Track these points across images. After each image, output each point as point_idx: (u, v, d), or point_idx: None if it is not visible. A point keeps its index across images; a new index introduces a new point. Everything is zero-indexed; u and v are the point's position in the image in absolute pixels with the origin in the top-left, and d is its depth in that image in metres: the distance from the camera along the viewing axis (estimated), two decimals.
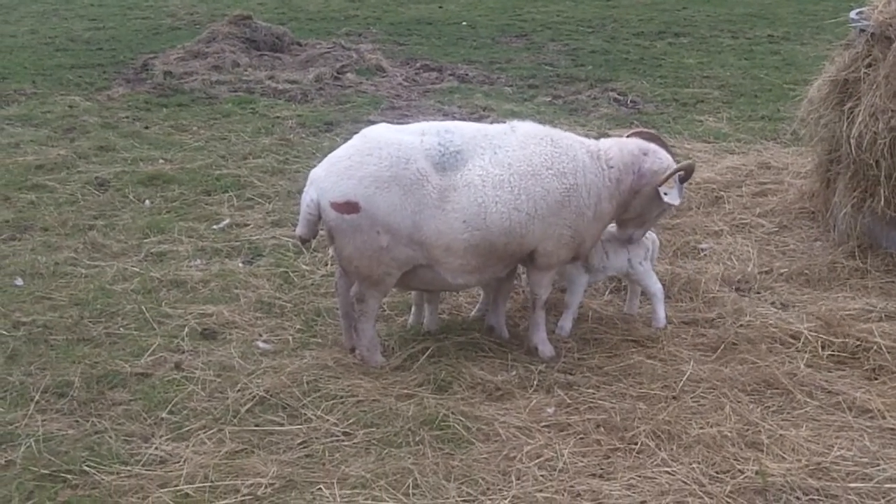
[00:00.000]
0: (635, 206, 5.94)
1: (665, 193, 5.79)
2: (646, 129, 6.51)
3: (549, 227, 5.59)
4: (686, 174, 5.88)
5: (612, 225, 6.17)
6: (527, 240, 5.57)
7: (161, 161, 9.72)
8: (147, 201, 8.60)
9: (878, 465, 4.78)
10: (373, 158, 5.36)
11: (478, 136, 5.60)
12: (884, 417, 5.22)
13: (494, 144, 5.56)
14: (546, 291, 5.93)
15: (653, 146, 5.97)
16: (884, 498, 4.53)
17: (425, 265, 5.53)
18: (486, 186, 5.43)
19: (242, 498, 4.44)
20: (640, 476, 4.69)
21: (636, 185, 5.85)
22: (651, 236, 6.37)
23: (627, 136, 6.18)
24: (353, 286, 5.67)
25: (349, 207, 5.35)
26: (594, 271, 6.25)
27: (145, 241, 7.66)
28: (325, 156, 5.68)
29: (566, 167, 5.59)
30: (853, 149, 6.96)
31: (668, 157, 5.97)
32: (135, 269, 7.07)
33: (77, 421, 5.11)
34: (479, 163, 5.48)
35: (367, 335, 5.71)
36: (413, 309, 6.31)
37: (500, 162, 5.50)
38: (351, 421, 5.13)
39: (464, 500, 4.49)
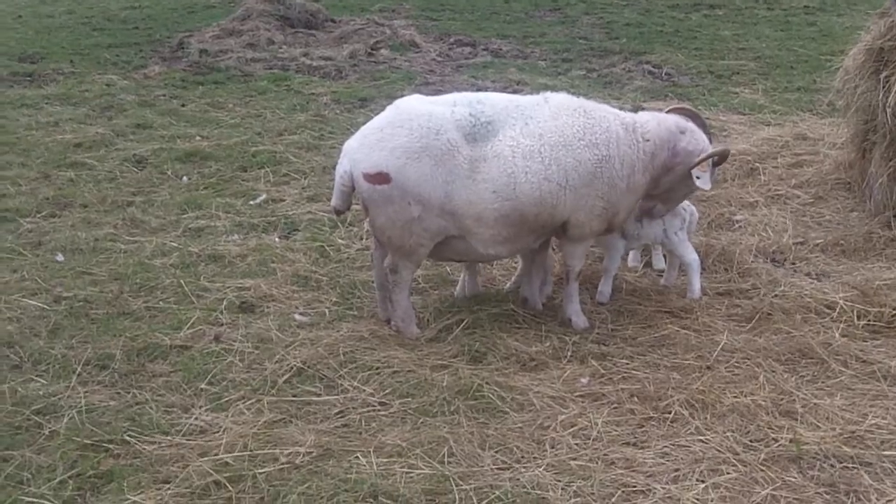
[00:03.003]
0: (665, 182, 5.94)
1: (697, 177, 5.79)
2: (686, 106, 6.48)
3: (581, 198, 5.60)
4: (720, 159, 5.87)
5: None
6: (558, 210, 5.59)
7: (198, 138, 9.83)
8: (185, 178, 8.71)
9: None
10: (404, 130, 5.40)
11: (510, 106, 5.61)
12: None
13: (526, 115, 5.58)
14: (580, 263, 5.95)
15: (691, 125, 5.96)
16: None
17: (457, 236, 5.58)
18: (516, 157, 5.45)
19: (281, 466, 4.51)
20: (673, 444, 4.71)
21: (669, 162, 5.84)
22: (690, 208, 6.37)
23: (667, 111, 6.17)
24: (387, 258, 5.72)
25: (380, 178, 5.40)
26: (630, 238, 6.26)
27: (183, 216, 7.76)
28: None
29: (599, 138, 5.60)
30: (889, 118, 6.90)
31: (705, 138, 5.96)
32: (173, 244, 7.17)
33: (118, 392, 5.20)
34: (511, 133, 5.50)
35: (401, 306, 5.77)
36: (462, 277, 6.36)
37: (531, 132, 5.51)
38: (387, 391, 5.19)
39: (498, 468, 4.53)
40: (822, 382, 5.28)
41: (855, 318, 5.87)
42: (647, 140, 5.78)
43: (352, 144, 5.55)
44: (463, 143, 5.43)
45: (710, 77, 12.53)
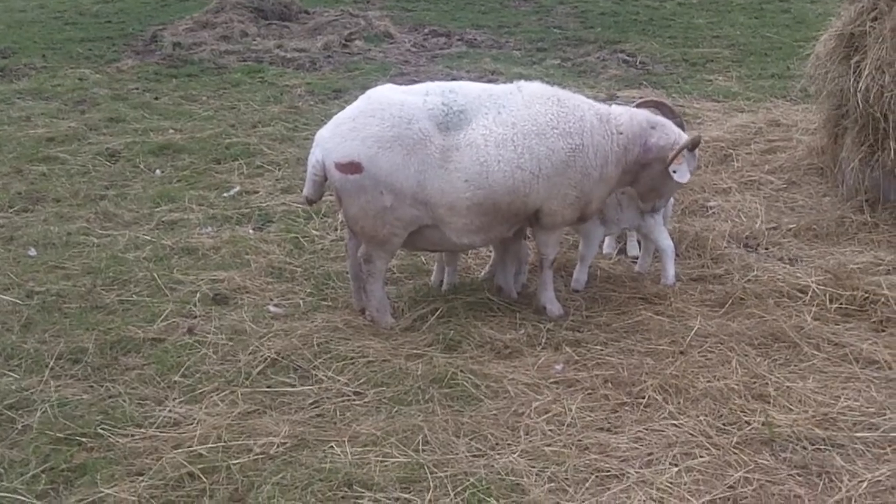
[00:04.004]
0: (646, 179, 5.95)
1: (674, 171, 5.79)
2: (655, 98, 6.49)
3: (553, 187, 5.60)
4: (692, 146, 5.86)
5: None
6: (531, 199, 5.59)
7: (171, 131, 9.78)
8: (158, 171, 8.66)
9: (885, 414, 4.82)
10: (375, 119, 5.39)
11: (483, 95, 5.61)
12: (890, 368, 5.25)
13: (499, 104, 5.57)
14: (553, 251, 5.95)
15: (661, 120, 5.96)
16: (890, 447, 4.55)
17: (431, 225, 5.57)
18: (488, 146, 5.45)
19: (255, 457, 4.50)
20: (647, 429, 4.73)
21: (642, 158, 5.84)
22: None
23: (637, 105, 6.18)
24: (360, 247, 5.71)
25: (352, 167, 5.39)
26: (608, 223, 6.27)
27: (156, 209, 7.72)
28: None
29: (572, 127, 5.60)
30: (860, 102, 6.94)
31: (677, 131, 5.95)
32: (146, 237, 7.13)
33: (91, 386, 5.17)
34: (483, 122, 5.50)
35: (376, 296, 5.76)
36: (435, 267, 6.37)
37: (503, 121, 5.51)
38: (361, 381, 5.18)
39: (473, 455, 4.53)
40: (795, 366, 5.31)
41: (827, 301, 5.91)
42: (621, 133, 5.78)
43: (324, 134, 5.54)
44: (435, 132, 5.43)
45: (685, 65, 12.58)
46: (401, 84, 6.09)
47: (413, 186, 5.41)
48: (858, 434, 4.65)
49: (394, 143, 5.35)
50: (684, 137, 5.87)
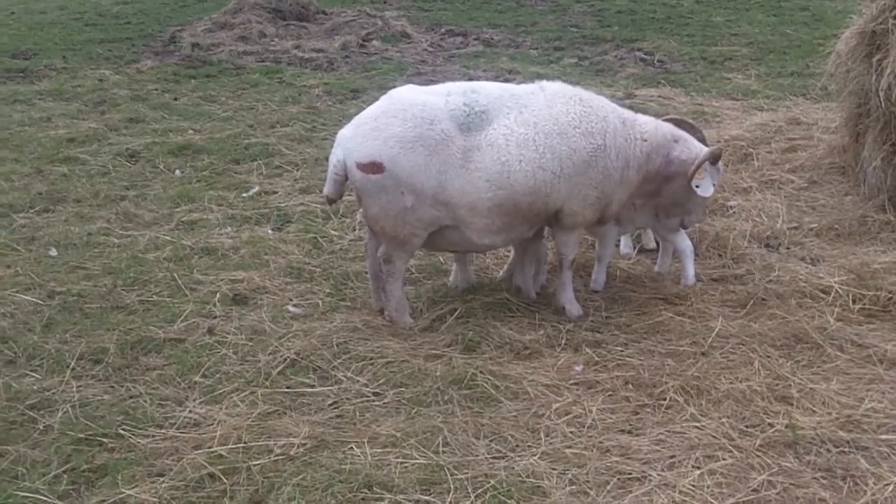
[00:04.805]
0: (668, 193, 5.96)
1: (697, 186, 5.79)
2: (680, 118, 6.49)
3: (575, 187, 5.58)
4: (714, 160, 5.85)
5: None
6: (552, 199, 5.57)
7: (190, 131, 9.80)
8: (177, 171, 8.68)
9: None
10: (397, 119, 5.39)
11: (504, 95, 5.59)
12: None
13: (521, 104, 5.56)
14: (573, 251, 5.93)
15: (684, 135, 5.96)
16: None
17: (451, 226, 5.56)
18: (509, 145, 5.43)
19: (275, 458, 4.50)
20: (668, 431, 4.70)
21: (664, 170, 5.84)
22: None
23: (663, 120, 6.16)
24: (380, 247, 5.71)
25: (374, 167, 5.38)
26: (623, 223, 6.24)
27: (176, 210, 7.74)
28: None
29: (594, 127, 5.58)
30: (882, 101, 6.88)
31: (698, 146, 5.94)
32: (166, 237, 7.15)
33: (112, 386, 5.19)
34: (505, 122, 5.48)
35: (395, 296, 5.75)
36: (454, 268, 6.34)
37: (525, 121, 5.49)
38: (381, 381, 5.17)
39: (493, 457, 4.51)
40: (818, 367, 5.27)
41: (850, 302, 5.86)
42: (645, 140, 5.77)
43: (345, 133, 5.54)
44: (457, 132, 5.41)
45: (703, 63, 12.52)
46: (418, 84, 6.09)
47: (434, 187, 5.40)
48: (883, 437, 4.61)
49: (416, 143, 5.34)
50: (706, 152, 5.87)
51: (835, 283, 6.01)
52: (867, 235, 6.86)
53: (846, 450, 4.52)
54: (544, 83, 5.77)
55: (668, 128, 5.95)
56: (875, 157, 7.12)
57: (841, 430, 4.66)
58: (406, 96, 5.54)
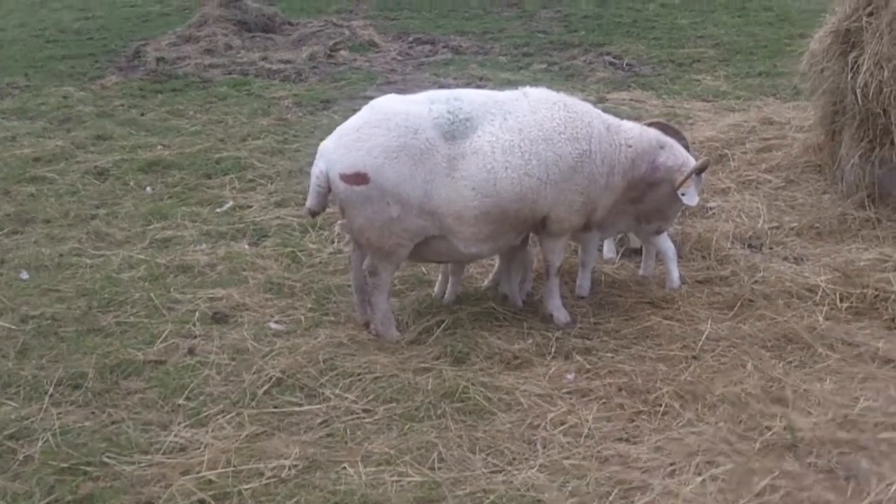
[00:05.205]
0: (652, 200, 5.92)
1: (683, 194, 5.76)
2: (665, 122, 6.46)
3: (561, 193, 5.51)
4: (702, 170, 5.83)
5: None
6: (539, 206, 5.50)
7: (159, 147, 9.63)
8: (148, 188, 8.52)
9: None
10: (381, 129, 5.29)
11: (488, 102, 5.52)
12: None
13: (505, 110, 5.48)
14: (559, 258, 5.86)
15: (670, 141, 5.92)
16: None
17: (438, 236, 5.47)
18: (495, 152, 5.35)
19: (267, 481, 4.38)
20: (666, 438, 4.63)
21: (650, 176, 5.80)
22: None
23: (647, 125, 6.09)
24: (365, 260, 5.60)
25: (358, 178, 5.28)
26: (605, 228, 6.17)
27: (149, 227, 7.58)
28: (325, 134, 5.62)
29: (580, 132, 5.52)
30: (860, 98, 6.87)
31: (685, 153, 5.91)
32: (140, 256, 6.99)
33: (93, 412, 5.03)
34: (489, 129, 5.40)
35: (381, 309, 5.65)
36: (439, 278, 6.25)
37: (510, 128, 5.42)
38: (370, 398, 5.06)
39: (490, 471, 4.42)
40: (811, 367, 5.23)
41: (837, 300, 5.83)
42: (630, 146, 5.73)
43: (327, 145, 5.43)
44: (441, 141, 5.33)
45: (671, 66, 12.53)
46: (389, 93, 5.99)
47: (420, 196, 5.30)
48: (882, 435, 4.56)
49: (400, 153, 5.25)
50: (692, 160, 5.85)
51: (821, 282, 5.99)
52: (848, 233, 6.85)
53: (846, 450, 4.46)
54: (528, 89, 5.70)
55: (654, 133, 5.90)
56: (853, 154, 7.11)
57: (839, 431, 4.60)
58: (389, 106, 5.45)
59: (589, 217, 5.75)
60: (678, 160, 5.80)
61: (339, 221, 7.31)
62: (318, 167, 5.42)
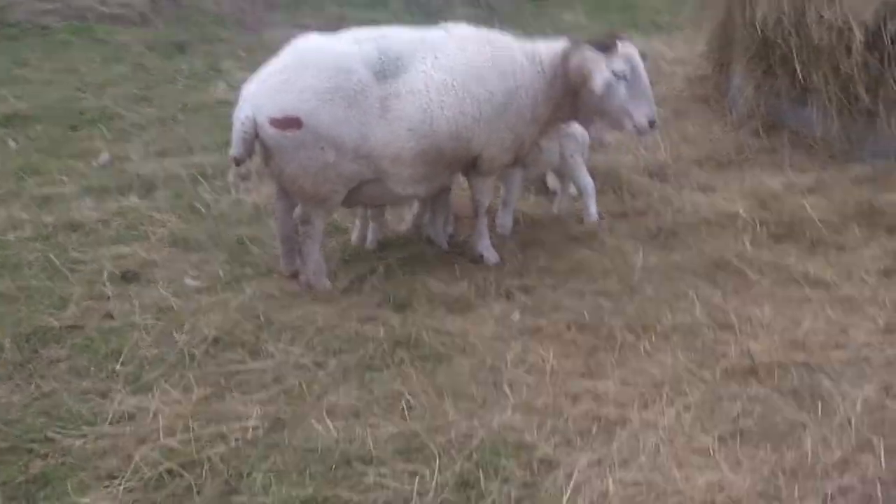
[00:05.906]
0: (585, 109, 5.68)
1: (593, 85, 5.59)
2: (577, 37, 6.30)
3: (493, 131, 5.39)
4: (604, 46, 5.54)
5: None
6: (473, 144, 5.37)
7: (12, 99, 8.92)
8: (11, 142, 7.88)
9: (848, 333, 4.90)
10: (310, 70, 5.01)
11: (414, 40, 5.30)
12: (837, 287, 5.34)
13: (434, 48, 5.29)
14: (488, 198, 5.77)
15: (573, 46, 5.73)
16: (865, 362, 4.63)
17: (372, 179, 5.25)
18: (430, 92, 5.17)
19: (234, 444, 4.12)
20: (630, 370, 4.63)
21: (567, 86, 5.63)
22: (580, 129, 6.24)
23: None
24: (295, 208, 5.33)
25: (290, 123, 4.98)
26: (528, 166, 6.10)
27: (23, 184, 7.02)
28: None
29: (507, 68, 5.39)
30: (759, 30, 7.01)
31: (592, 49, 5.77)
32: (23, 215, 6.45)
33: (18, 385, 4.58)
34: (421, 68, 5.21)
35: (312, 258, 5.40)
36: (357, 224, 6.04)
37: (441, 66, 5.24)
38: (318, 350, 4.84)
39: (464, 417, 4.29)
40: (746, 293, 5.34)
41: (757, 226, 5.97)
42: (544, 70, 5.60)
43: (251, 89, 5.10)
44: (373, 81, 5.09)
45: (530, 3, 12.52)
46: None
47: (356, 139, 5.06)
48: (832, 354, 4.70)
49: (334, 94, 4.98)
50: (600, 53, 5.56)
51: (740, 209, 6.11)
52: (747, 162, 7.05)
53: (804, 371, 4.57)
54: (449, 25, 5.52)
55: (560, 44, 5.67)
56: (747, 84, 7.27)
57: (791, 353, 4.71)
58: (315, 46, 5.16)
59: (517, 153, 5.64)
60: (584, 54, 5.55)
61: (232, 169, 7.00)
62: (244, 111, 5.07)
